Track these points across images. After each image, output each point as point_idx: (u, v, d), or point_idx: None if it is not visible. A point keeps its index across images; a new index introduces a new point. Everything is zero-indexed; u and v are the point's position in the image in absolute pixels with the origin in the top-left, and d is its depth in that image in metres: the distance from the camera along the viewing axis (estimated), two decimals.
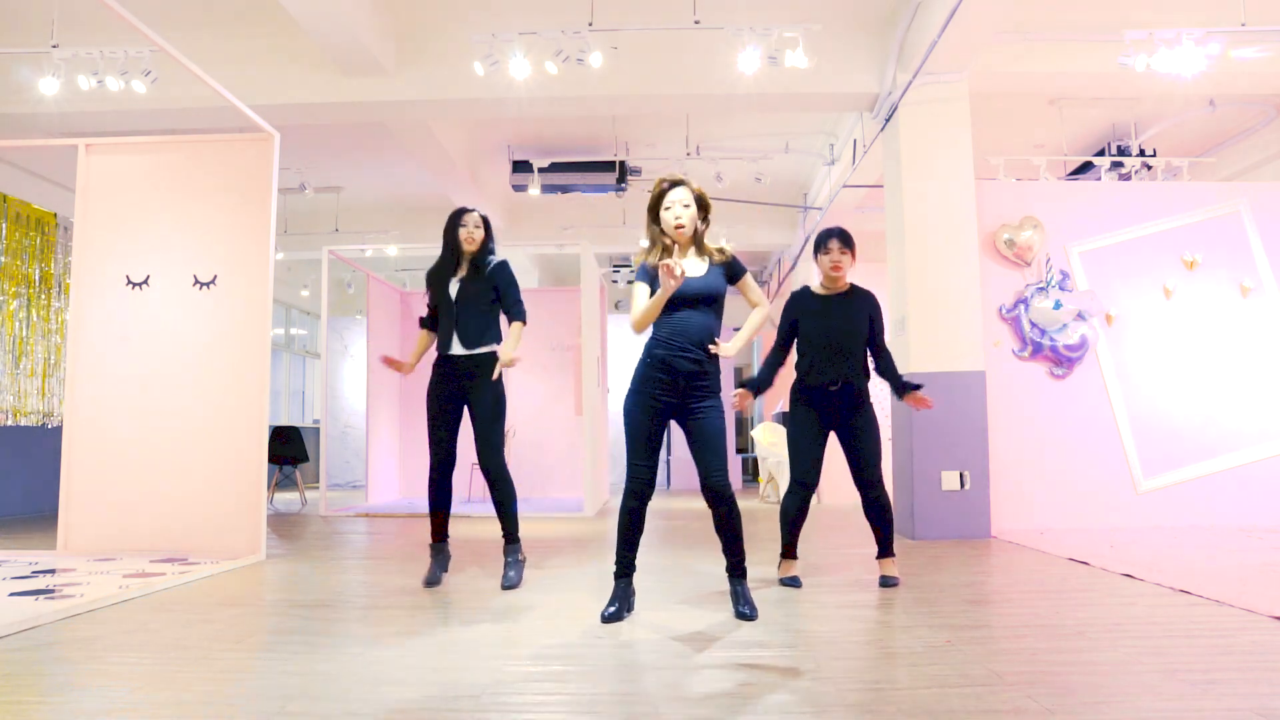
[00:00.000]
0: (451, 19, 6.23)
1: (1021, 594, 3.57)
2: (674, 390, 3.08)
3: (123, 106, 6.21)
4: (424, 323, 4.07)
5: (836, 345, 3.72)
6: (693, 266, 3.12)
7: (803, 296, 3.85)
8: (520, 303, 3.98)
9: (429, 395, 3.90)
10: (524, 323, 3.96)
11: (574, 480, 9.20)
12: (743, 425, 14.01)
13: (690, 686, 2.25)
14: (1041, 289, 6.13)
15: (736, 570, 3.15)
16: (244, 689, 2.25)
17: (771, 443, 8.90)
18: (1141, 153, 7.72)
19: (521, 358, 4.09)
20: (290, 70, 6.29)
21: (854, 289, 3.83)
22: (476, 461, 3.88)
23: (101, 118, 6.43)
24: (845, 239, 3.74)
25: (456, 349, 3.85)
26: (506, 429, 4.05)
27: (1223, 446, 6.09)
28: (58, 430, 7.06)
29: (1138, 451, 6.06)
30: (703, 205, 3.17)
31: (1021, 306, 6.13)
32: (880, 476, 3.76)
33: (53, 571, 4.15)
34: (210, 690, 2.24)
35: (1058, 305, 6.05)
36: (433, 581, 3.83)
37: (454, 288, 3.89)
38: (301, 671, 2.40)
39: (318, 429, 12.25)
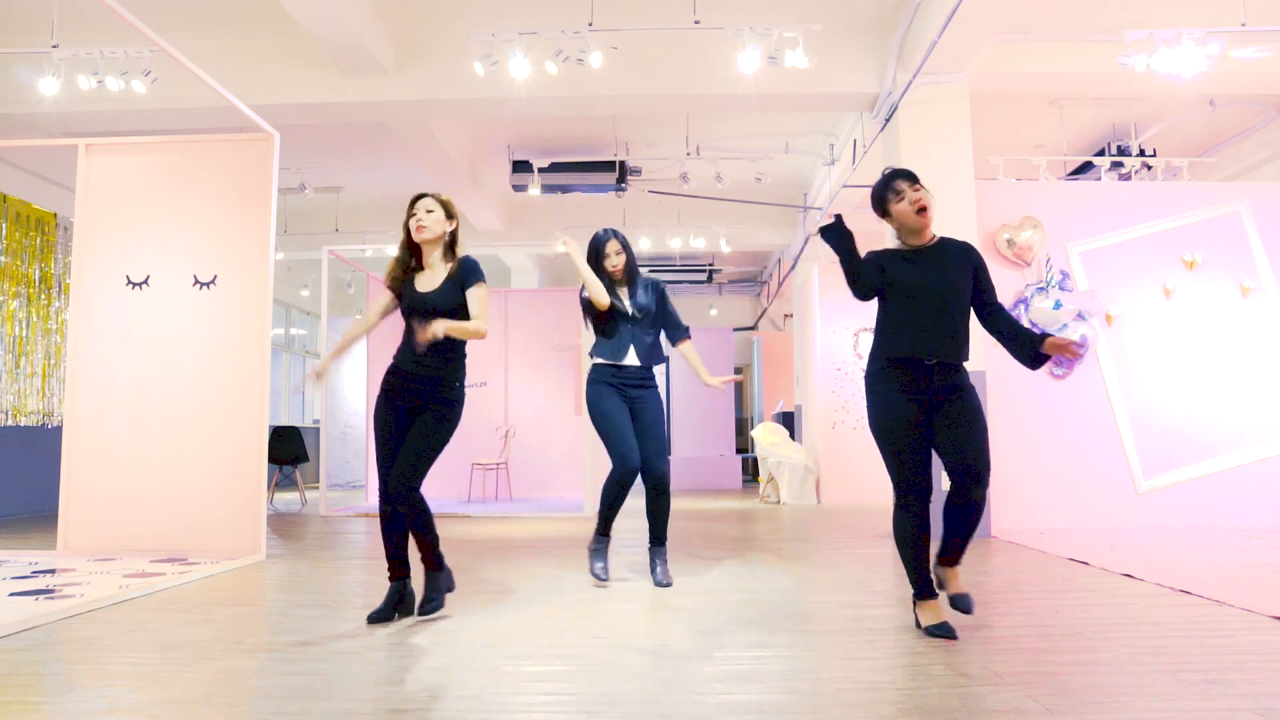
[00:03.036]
0: (451, 19, 6.23)
1: (1021, 594, 3.57)
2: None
3: (123, 106, 6.20)
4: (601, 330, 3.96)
5: (934, 308, 2.83)
6: (429, 280, 3.13)
7: (885, 252, 2.98)
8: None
9: (598, 397, 3.90)
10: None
11: (574, 480, 9.18)
12: (742, 425, 13.97)
13: (690, 686, 2.25)
14: (1041, 289, 6.13)
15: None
16: (244, 689, 2.25)
17: (772, 443, 8.88)
18: (1141, 153, 7.72)
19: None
20: (290, 70, 6.28)
21: (944, 240, 2.97)
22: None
23: (101, 118, 6.43)
24: (912, 176, 2.93)
25: (632, 360, 3.92)
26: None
27: (1223, 446, 6.08)
28: (58, 430, 7.06)
29: (1138, 451, 6.06)
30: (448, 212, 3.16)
31: (1021, 306, 6.12)
32: (989, 470, 2.80)
33: (53, 571, 4.15)
34: (210, 690, 2.24)
35: (1058, 305, 6.05)
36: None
37: (628, 304, 3.91)
38: (301, 671, 2.40)
39: (318, 429, 12.25)
